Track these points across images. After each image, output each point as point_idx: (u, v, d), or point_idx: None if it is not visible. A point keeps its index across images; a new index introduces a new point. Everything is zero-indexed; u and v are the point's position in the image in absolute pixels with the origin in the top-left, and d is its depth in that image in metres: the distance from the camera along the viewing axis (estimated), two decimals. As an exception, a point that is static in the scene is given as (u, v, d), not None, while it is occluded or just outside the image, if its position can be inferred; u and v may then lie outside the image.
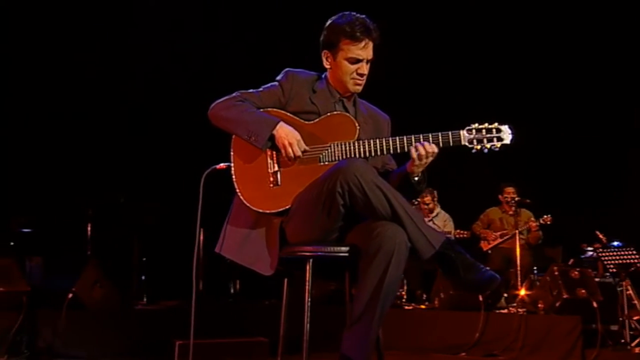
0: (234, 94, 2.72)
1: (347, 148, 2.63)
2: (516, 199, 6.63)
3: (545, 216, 6.62)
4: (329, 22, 2.77)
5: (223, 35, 7.31)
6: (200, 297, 6.20)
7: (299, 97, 2.74)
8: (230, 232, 2.72)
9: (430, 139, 2.62)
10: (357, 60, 2.70)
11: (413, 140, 2.62)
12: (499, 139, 2.63)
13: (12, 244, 5.80)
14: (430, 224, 7.05)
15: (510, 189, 7.03)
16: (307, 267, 2.55)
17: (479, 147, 2.63)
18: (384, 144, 2.63)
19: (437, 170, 7.57)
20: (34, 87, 6.66)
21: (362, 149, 2.63)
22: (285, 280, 2.79)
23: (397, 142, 2.63)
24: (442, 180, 7.35)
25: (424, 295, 6.42)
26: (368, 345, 2.40)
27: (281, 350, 2.81)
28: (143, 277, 6.19)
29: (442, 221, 7.10)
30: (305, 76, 2.80)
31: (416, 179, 2.71)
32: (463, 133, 2.63)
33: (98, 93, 6.89)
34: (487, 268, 2.49)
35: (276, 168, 2.65)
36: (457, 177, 7.35)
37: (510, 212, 6.85)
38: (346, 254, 2.52)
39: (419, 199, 6.89)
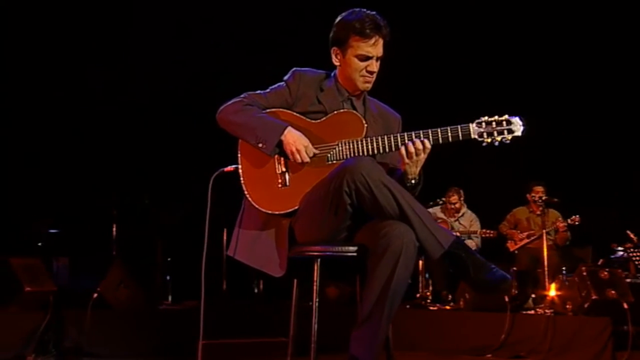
0: (241, 96, 2.70)
1: (355, 146, 2.59)
2: (544, 198, 6.45)
3: (573, 216, 6.45)
4: (338, 18, 2.72)
5: (232, 36, 7.23)
6: (223, 298, 6.26)
7: (306, 97, 2.71)
8: (242, 234, 2.70)
9: (440, 133, 2.55)
10: (367, 58, 2.65)
11: (421, 135, 2.56)
12: (510, 131, 2.56)
13: (39, 244, 5.87)
14: (457, 223, 6.96)
15: (539, 188, 6.86)
16: (315, 267, 2.53)
17: (489, 140, 2.55)
18: (392, 140, 2.57)
19: (464, 169, 7.45)
20: (62, 92, 6.75)
21: (369, 147, 2.58)
22: (295, 281, 2.75)
23: (405, 138, 2.57)
24: (469, 180, 7.25)
25: (450, 296, 6.31)
26: (376, 346, 2.36)
27: (291, 351, 2.78)
28: (168, 277, 6.20)
29: (468, 221, 6.99)
30: (312, 75, 2.76)
31: (413, 181, 2.62)
32: (472, 126, 2.55)
33: (124, 97, 6.92)
34: (498, 268, 2.42)
35: (284, 169, 2.63)
36: (484, 176, 7.23)
37: (538, 212, 6.69)
38: (354, 254, 2.49)
39: (444, 199, 6.79)
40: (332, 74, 2.78)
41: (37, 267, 5.27)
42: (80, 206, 6.49)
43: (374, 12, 2.67)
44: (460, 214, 7.02)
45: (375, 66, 2.67)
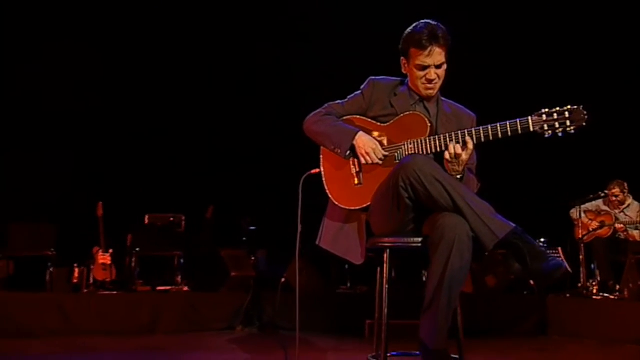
0: (322, 107, 2.76)
1: (419, 145, 2.52)
2: None
3: None
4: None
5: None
6: (392, 284, 6.32)
7: (380, 102, 2.69)
8: (327, 226, 2.76)
9: (499, 128, 2.39)
10: (425, 67, 2.56)
11: (482, 131, 2.42)
12: (573, 122, 2.32)
13: (244, 239, 6.50)
14: (622, 215, 6.20)
15: None
16: (385, 257, 2.50)
17: (550, 132, 2.34)
18: (453, 137, 2.46)
19: (629, 159, 6.50)
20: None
21: (432, 145, 2.50)
22: (378, 269, 2.73)
23: (466, 135, 2.44)
24: (635, 169, 6.40)
25: (617, 286, 5.65)
26: (438, 331, 2.28)
27: (377, 334, 2.75)
28: (346, 267, 6.42)
29: (634, 212, 6.14)
30: (387, 82, 2.73)
31: (458, 177, 2.48)
32: (531, 119, 2.36)
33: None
34: (554, 257, 2.24)
35: (358, 169, 2.64)
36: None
37: None
38: (419, 245, 2.43)
39: (606, 191, 6.09)
40: (406, 81, 2.73)
41: (242, 257, 5.89)
42: (273, 207, 6.95)
43: (435, 23, 2.55)
44: (625, 206, 6.18)
45: (433, 74, 2.56)
